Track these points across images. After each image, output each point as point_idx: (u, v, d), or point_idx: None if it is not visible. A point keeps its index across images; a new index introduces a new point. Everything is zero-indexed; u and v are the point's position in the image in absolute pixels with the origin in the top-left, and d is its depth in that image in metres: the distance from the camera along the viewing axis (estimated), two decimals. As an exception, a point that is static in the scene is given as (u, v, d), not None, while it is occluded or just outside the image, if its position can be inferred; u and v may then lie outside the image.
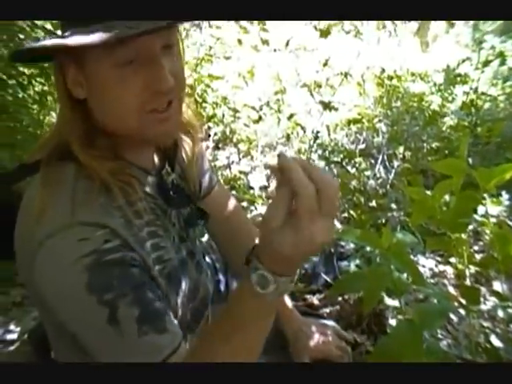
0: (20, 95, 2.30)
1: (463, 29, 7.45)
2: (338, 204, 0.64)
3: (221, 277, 1.41)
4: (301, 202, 0.60)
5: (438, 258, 2.03)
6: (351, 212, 2.34)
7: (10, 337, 1.72)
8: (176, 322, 0.83)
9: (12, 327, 1.76)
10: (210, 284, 1.08)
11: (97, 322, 0.74)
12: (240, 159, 3.47)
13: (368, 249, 1.59)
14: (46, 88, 2.58)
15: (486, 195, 1.03)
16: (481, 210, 1.25)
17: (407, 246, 1.02)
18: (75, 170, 0.80)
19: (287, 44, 3.45)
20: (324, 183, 0.60)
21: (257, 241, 0.70)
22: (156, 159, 1.00)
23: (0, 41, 2.03)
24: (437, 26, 7.50)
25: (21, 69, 2.27)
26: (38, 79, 2.47)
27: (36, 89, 2.56)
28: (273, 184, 2.95)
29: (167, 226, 0.93)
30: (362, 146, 3.44)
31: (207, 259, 1.38)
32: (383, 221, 2.25)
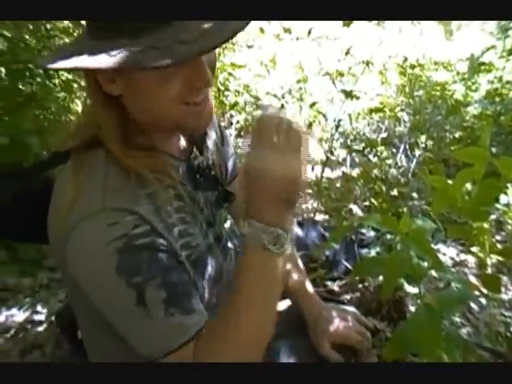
0: (47, 83, 2.34)
1: (489, 16, 7.25)
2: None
3: (243, 262, 1.42)
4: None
5: (460, 247, 2.02)
6: (372, 200, 2.34)
7: (37, 318, 1.78)
8: (201, 305, 0.85)
9: (39, 308, 1.82)
10: (232, 269, 1.10)
11: (126, 304, 0.77)
12: (261, 147, 3.45)
13: (388, 236, 1.59)
14: (70, 76, 2.62)
15: (508, 184, 1.02)
16: (503, 199, 1.24)
17: (426, 232, 1.02)
18: (105, 156, 0.82)
19: (309, 32, 3.41)
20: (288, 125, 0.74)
21: None
22: (184, 145, 1.02)
23: (28, 31, 2.07)
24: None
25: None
26: (63, 68, 2.51)
27: (62, 77, 2.60)
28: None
29: (195, 212, 0.95)
30: (384, 135, 3.42)
31: (230, 244, 1.40)
32: (404, 209, 2.24)
